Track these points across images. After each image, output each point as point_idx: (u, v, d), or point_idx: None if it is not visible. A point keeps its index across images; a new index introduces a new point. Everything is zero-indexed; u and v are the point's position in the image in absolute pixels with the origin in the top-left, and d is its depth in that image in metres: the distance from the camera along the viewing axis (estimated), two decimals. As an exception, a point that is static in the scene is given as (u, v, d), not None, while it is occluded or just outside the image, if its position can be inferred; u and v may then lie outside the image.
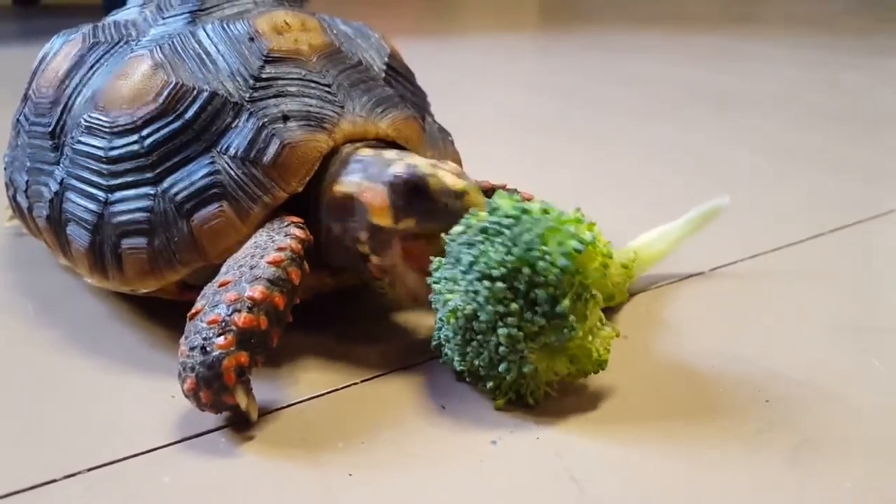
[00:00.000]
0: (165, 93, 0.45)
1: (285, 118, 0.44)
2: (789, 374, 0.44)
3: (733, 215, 0.62)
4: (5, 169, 0.55)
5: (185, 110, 0.44)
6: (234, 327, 0.37)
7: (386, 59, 0.51)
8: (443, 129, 0.55)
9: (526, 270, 0.37)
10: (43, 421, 0.40)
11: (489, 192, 0.49)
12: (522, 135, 0.95)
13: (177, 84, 0.45)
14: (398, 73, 0.51)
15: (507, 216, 0.38)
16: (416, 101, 0.52)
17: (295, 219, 0.43)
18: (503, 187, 0.51)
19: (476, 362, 0.39)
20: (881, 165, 0.82)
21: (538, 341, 0.38)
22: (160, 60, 0.46)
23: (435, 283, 0.40)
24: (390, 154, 0.43)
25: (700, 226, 0.53)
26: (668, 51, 1.45)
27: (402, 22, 1.68)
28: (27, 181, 0.50)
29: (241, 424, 0.39)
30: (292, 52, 0.46)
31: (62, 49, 0.51)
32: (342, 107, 0.46)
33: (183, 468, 0.37)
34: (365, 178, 0.42)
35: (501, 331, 0.37)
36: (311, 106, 0.45)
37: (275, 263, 0.40)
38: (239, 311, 0.37)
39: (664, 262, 0.52)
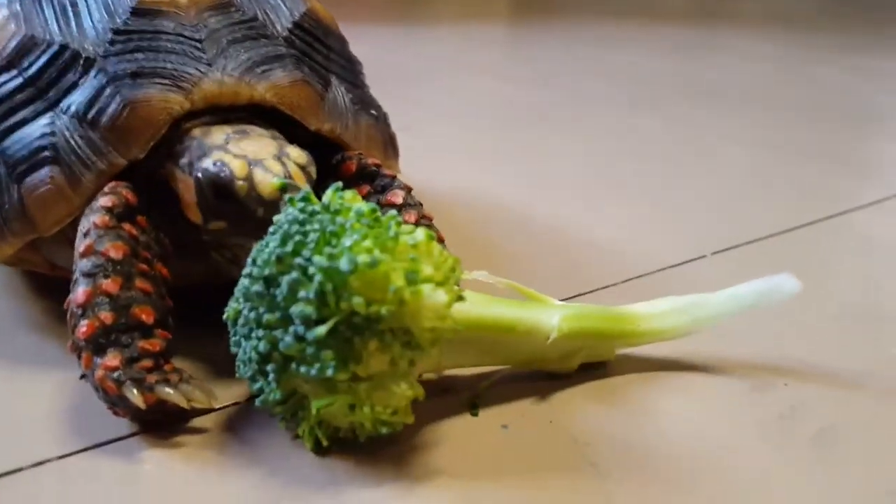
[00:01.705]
0: (12, 45, 0.40)
1: (135, 75, 0.38)
2: (806, 359, 0.42)
3: (726, 203, 0.64)
4: None
5: (31, 65, 0.40)
6: (81, 341, 0.33)
7: (297, 17, 0.44)
8: (368, 102, 0.47)
9: (285, 279, 0.29)
10: None
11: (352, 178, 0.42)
12: (499, 126, 0.88)
13: (25, 36, 0.40)
14: (310, 33, 0.45)
15: (303, 210, 0.31)
16: (330, 67, 0.45)
17: (109, 187, 0.37)
18: (374, 169, 0.42)
19: (240, 368, 0.32)
20: (863, 157, 0.82)
21: (293, 368, 0.30)
22: (16, 11, 0.41)
23: None
24: (218, 137, 0.37)
25: (748, 308, 0.38)
26: (643, 43, 1.37)
27: (369, 8, 1.65)
28: None
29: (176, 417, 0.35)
30: (166, 4, 0.41)
31: None
32: (209, 65, 0.39)
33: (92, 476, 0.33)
34: (185, 165, 0.37)
35: (251, 342, 0.30)
36: (168, 63, 0.39)
37: (84, 254, 0.34)
38: (76, 323, 0.33)
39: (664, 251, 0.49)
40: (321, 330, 0.29)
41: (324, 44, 0.45)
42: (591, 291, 0.48)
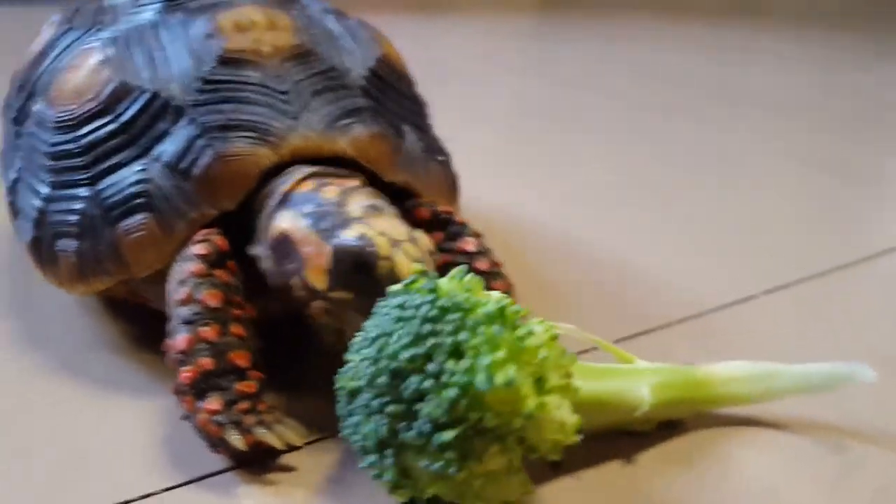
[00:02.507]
0: (107, 91, 0.42)
1: (225, 128, 0.40)
2: (861, 414, 0.42)
3: (774, 230, 0.62)
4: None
5: (124, 111, 0.42)
6: (184, 386, 0.36)
7: (372, 63, 0.46)
8: (435, 147, 0.49)
9: (414, 378, 0.31)
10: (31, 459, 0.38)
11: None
12: (529, 131, 0.87)
13: (120, 83, 0.42)
14: (384, 80, 0.46)
15: (433, 306, 0.32)
16: (402, 113, 0.47)
17: (198, 234, 0.39)
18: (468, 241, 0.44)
19: (351, 436, 0.34)
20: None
21: (411, 455, 0.32)
22: (108, 56, 0.43)
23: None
24: (354, 206, 0.38)
25: (820, 389, 0.40)
26: (677, 41, 1.32)
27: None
28: (2, 163, 0.50)
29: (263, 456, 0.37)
30: (250, 53, 0.42)
31: (43, 31, 0.49)
32: (296, 118, 0.41)
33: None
34: (313, 228, 0.37)
35: (371, 424, 0.32)
36: (257, 115, 0.41)
37: (184, 302, 0.37)
38: (179, 369, 0.36)
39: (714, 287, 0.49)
40: (449, 435, 0.31)
41: (396, 90, 0.47)
42: (643, 333, 0.50)
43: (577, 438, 0.33)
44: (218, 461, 0.38)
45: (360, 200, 0.38)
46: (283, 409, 0.39)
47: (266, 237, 0.40)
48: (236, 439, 0.36)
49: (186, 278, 0.38)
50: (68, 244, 0.42)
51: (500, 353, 0.31)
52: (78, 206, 0.42)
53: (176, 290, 0.38)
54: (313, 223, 0.38)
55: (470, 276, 0.34)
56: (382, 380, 0.32)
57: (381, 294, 0.35)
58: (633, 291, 0.55)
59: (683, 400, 0.40)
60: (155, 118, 0.41)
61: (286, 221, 0.39)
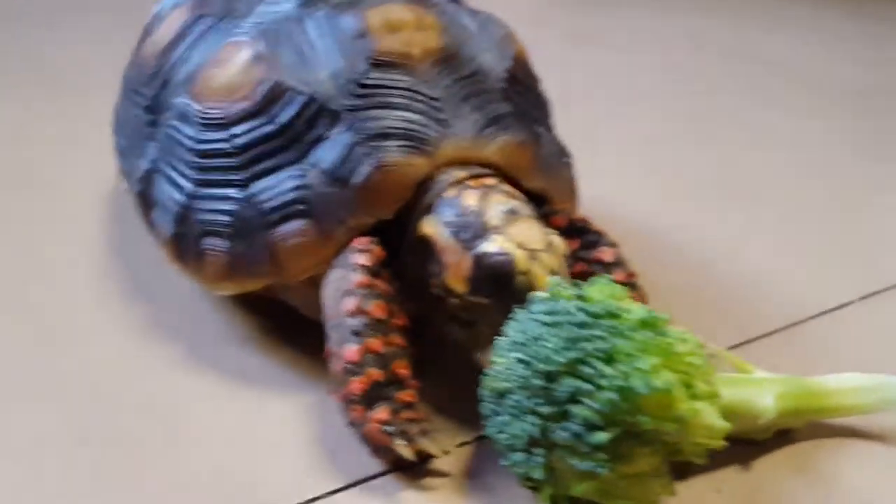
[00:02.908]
0: (261, 91, 0.41)
1: (383, 136, 0.40)
2: None
3: (868, 227, 0.62)
4: (113, 116, 0.54)
5: (280, 113, 0.41)
6: (354, 396, 0.37)
7: (508, 64, 0.46)
8: (561, 148, 0.49)
9: (569, 381, 0.33)
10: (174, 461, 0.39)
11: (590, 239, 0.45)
12: (611, 106, 0.84)
13: (275, 83, 0.41)
14: (519, 81, 0.46)
15: (586, 312, 0.34)
16: (536, 115, 0.47)
17: (359, 243, 0.40)
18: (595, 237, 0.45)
19: (497, 436, 0.36)
20: None
21: (560, 455, 0.34)
22: (260, 52, 0.42)
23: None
24: (493, 214, 0.39)
25: None
26: (799, 28, 1.13)
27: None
28: (125, 146, 0.49)
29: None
30: (401, 56, 0.42)
31: (170, 15, 0.48)
32: (448, 126, 0.42)
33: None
34: (454, 237, 0.39)
35: (521, 424, 0.34)
36: (412, 123, 0.41)
37: (353, 313, 0.38)
38: (347, 381, 0.37)
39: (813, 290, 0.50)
40: (603, 437, 0.32)
41: (530, 90, 0.47)
42: (747, 342, 0.51)
43: (724, 443, 0.35)
44: (373, 463, 0.39)
45: (499, 205, 0.39)
46: (433, 408, 0.41)
47: (411, 241, 0.41)
48: (404, 450, 0.37)
49: (353, 289, 0.38)
50: (218, 243, 0.42)
51: (655, 359, 0.33)
52: (230, 206, 0.42)
53: (341, 300, 0.38)
54: (455, 232, 0.39)
55: (618, 288, 0.36)
56: (536, 382, 0.34)
57: (518, 301, 0.37)
58: (730, 297, 0.55)
59: (802, 410, 0.42)
60: (311, 122, 0.41)
61: (429, 227, 0.40)
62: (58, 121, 0.71)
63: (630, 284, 0.43)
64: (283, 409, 0.42)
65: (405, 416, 0.37)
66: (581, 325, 0.34)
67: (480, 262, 0.38)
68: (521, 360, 0.35)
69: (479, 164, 0.42)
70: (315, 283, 0.41)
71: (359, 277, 0.38)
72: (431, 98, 0.42)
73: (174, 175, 0.44)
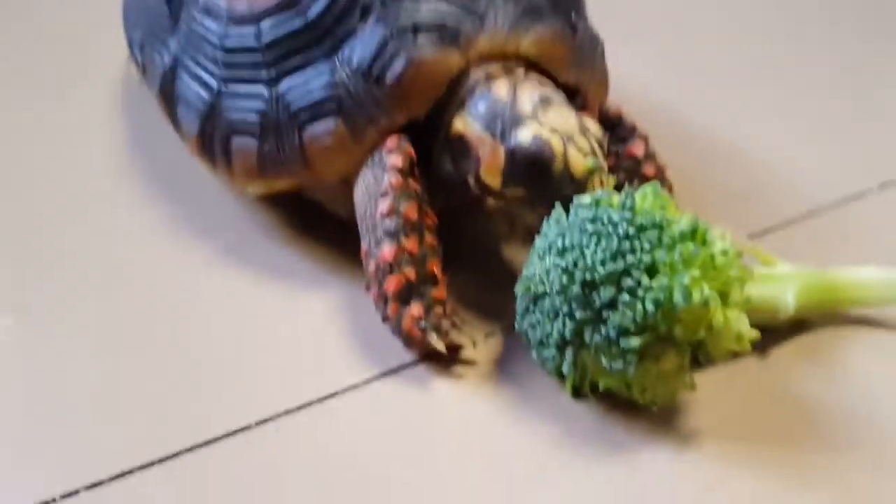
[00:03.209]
0: None
1: (415, 29, 0.40)
2: None
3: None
4: (123, 9, 0.52)
5: (309, 6, 0.40)
6: (389, 294, 0.38)
7: None
8: (594, 36, 0.48)
9: (609, 291, 0.34)
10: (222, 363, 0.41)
11: (624, 130, 0.44)
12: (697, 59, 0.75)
13: None
14: None
15: (631, 223, 0.34)
16: (570, 2, 0.45)
17: (391, 143, 0.40)
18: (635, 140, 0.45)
19: (529, 333, 0.38)
20: None
21: (592, 352, 0.35)
22: None
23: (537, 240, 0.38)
24: (525, 102, 0.39)
25: None
26: None
27: None
28: (142, 39, 0.48)
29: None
30: None
31: None
32: (482, 18, 0.40)
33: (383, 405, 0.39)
34: (487, 130, 0.39)
35: (557, 326, 0.35)
36: (446, 15, 0.40)
37: (387, 214, 0.38)
38: (382, 280, 0.38)
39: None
40: (636, 342, 0.34)
41: None
42: (769, 230, 0.51)
43: (751, 349, 0.37)
44: (405, 353, 0.40)
45: (530, 93, 0.39)
46: (457, 300, 0.41)
47: (444, 138, 0.40)
48: (438, 343, 0.38)
49: (387, 191, 0.38)
50: (247, 142, 0.42)
51: (696, 272, 0.34)
52: (258, 104, 0.41)
53: (375, 202, 0.39)
54: (487, 125, 0.39)
55: (662, 192, 0.36)
56: (574, 289, 0.35)
57: (555, 189, 0.37)
58: (749, 184, 0.55)
59: (821, 303, 0.43)
60: (341, 15, 0.40)
61: (461, 124, 0.40)
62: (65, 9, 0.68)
63: (660, 180, 0.43)
64: (315, 304, 0.43)
65: (438, 312, 0.39)
66: (625, 237, 0.34)
67: (515, 151, 0.38)
68: (560, 267, 0.35)
69: (515, 57, 0.41)
70: (346, 181, 0.41)
71: (392, 179, 0.38)
72: None
73: (199, 71, 0.43)
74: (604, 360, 0.35)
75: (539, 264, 0.36)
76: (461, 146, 0.40)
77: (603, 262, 0.34)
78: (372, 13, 0.40)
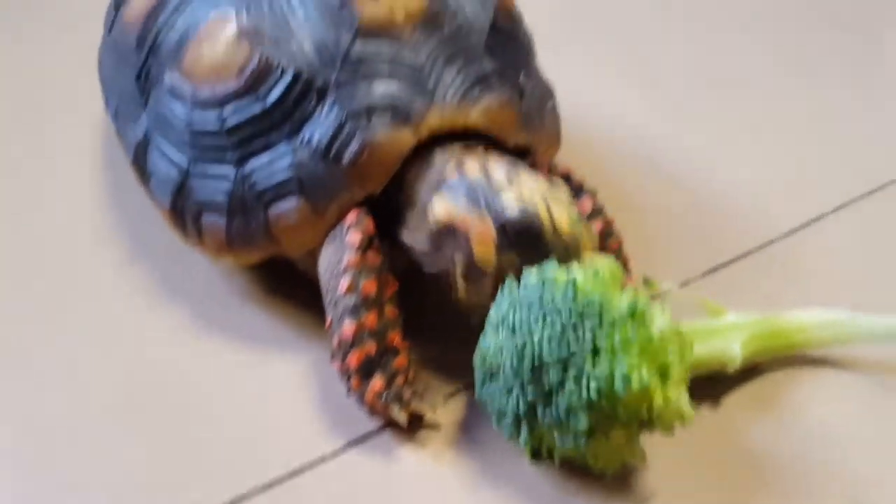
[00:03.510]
0: (248, 70, 0.42)
1: (369, 112, 0.41)
2: None
3: (838, 135, 0.60)
4: (98, 67, 0.54)
5: (268, 93, 0.42)
6: (351, 369, 0.40)
7: (490, 15, 0.46)
8: (544, 89, 0.49)
9: (556, 374, 0.36)
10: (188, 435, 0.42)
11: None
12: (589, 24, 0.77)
13: (260, 60, 0.42)
14: (502, 31, 0.46)
15: (573, 308, 0.36)
16: (519, 63, 0.47)
17: (350, 218, 0.42)
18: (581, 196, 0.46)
19: (488, 403, 0.39)
20: None
21: (544, 428, 0.37)
22: (244, 28, 0.43)
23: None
24: (499, 174, 0.40)
25: (886, 341, 0.45)
26: None
27: None
28: (117, 107, 0.50)
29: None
30: (385, 24, 0.42)
31: None
32: (432, 94, 0.42)
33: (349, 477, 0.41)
34: (472, 208, 0.40)
35: (511, 402, 0.37)
36: (397, 94, 0.42)
37: (347, 292, 0.40)
38: (345, 354, 0.40)
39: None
40: (584, 422, 0.36)
41: (513, 38, 0.47)
42: (723, 265, 0.52)
43: (692, 423, 0.38)
44: (370, 420, 0.42)
45: (498, 165, 0.41)
46: (419, 361, 0.43)
47: (422, 226, 0.41)
48: (399, 415, 0.40)
49: (346, 268, 0.40)
50: (216, 219, 0.44)
51: (634, 357, 0.36)
52: (225, 185, 0.43)
53: (336, 279, 0.41)
54: (470, 203, 0.40)
55: (607, 268, 0.38)
56: (525, 370, 0.36)
57: (547, 250, 0.38)
58: (703, 217, 0.56)
59: (768, 349, 0.44)
60: (299, 100, 0.42)
61: (442, 210, 0.40)
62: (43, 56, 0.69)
63: (607, 233, 0.45)
64: (287, 370, 0.45)
65: (399, 381, 0.40)
66: (569, 321, 0.36)
67: (506, 222, 0.39)
68: (511, 346, 0.37)
69: (464, 128, 0.43)
70: (311, 252, 0.43)
71: (351, 257, 0.40)
72: (415, 66, 0.42)
73: (168, 150, 0.45)
74: (556, 436, 0.37)
75: (493, 337, 0.38)
76: (447, 232, 0.40)
77: (549, 347, 0.36)
78: (328, 97, 0.42)
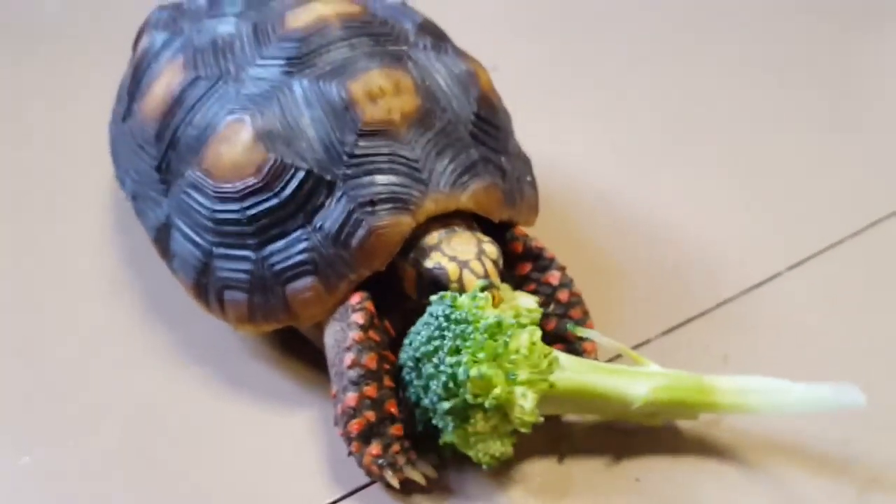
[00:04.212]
0: (266, 170, 0.48)
1: (373, 202, 0.48)
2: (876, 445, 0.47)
3: (785, 193, 0.63)
4: (111, 144, 0.60)
5: (283, 188, 0.48)
6: (353, 434, 0.46)
7: (474, 108, 0.52)
8: (522, 166, 0.56)
9: (428, 365, 0.45)
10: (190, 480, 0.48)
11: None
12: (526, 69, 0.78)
13: (275, 161, 0.48)
14: (485, 120, 0.52)
15: (446, 317, 0.44)
16: (500, 146, 0.53)
17: (354, 301, 0.48)
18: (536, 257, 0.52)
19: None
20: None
21: (431, 418, 0.45)
22: (259, 130, 0.48)
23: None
24: (434, 237, 0.48)
25: (823, 408, 0.45)
26: None
27: None
28: (134, 189, 0.55)
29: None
30: (384, 124, 0.49)
31: (164, 73, 0.53)
32: (426, 185, 0.49)
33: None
34: (411, 259, 0.49)
35: (409, 391, 0.46)
36: (397, 186, 0.48)
37: (351, 366, 0.46)
38: (347, 421, 0.46)
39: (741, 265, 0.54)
40: (444, 406, 0.44)
41: (494, 125, 0.53)
42: (677, 326, 0.56)
43: (539, 420, 0.44)
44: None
45: (439, 231, 0.49)
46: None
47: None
48: (392, 479, 0.46)
49: (351, 345, 0.46)
50: (238, 296, 0.50)
51: (481, 354, 0.44)
52: (246, 266, 0.49)
53: (342, 353, 0.46)
54: (411, 258, 0.49)
55: (483, 294, 0.45)
56: (409, 363, 0.45)
57: None
58: (666, 275, 0.58)
59: (684, 403, 0.46)
60: (311, 193, 0.48)
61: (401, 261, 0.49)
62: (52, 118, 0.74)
63: (573, 304, 0.51)
64: (287, 424, 0.50)
65: (395, 448, 0.46)
66: (439, 327, 0.44)
67: (421, 276, 0.48)
68: (408, 343, 0.46)
69: (456, 210, 0.50)
70: (319, 324, 0.49)
71: (355, 335, 0.46)
72: (411, 160, 0.49)
73: (192, 234, 0.51)
74: (435, 422, 0.45)
75: (405, 342, 0.47)
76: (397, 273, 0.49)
77: (424, 344, 0.44)
78: (336, 189, 0.48)
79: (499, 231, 0.52)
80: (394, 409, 0.47)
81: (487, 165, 0.51)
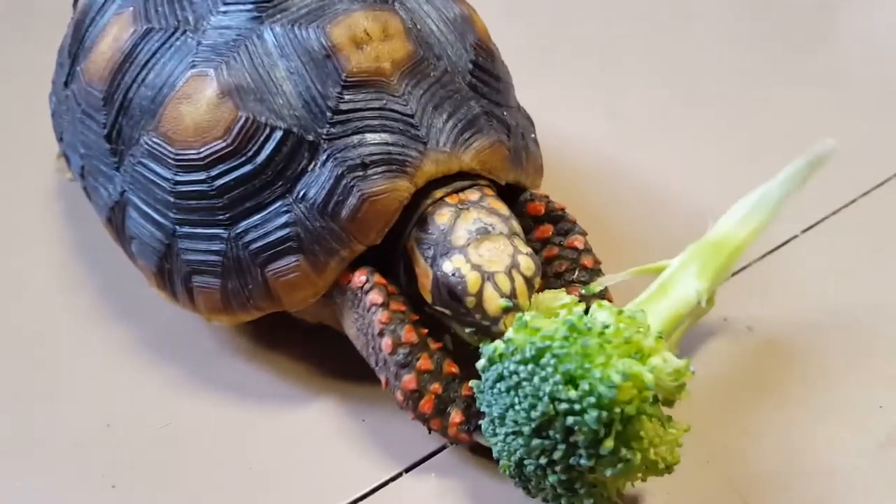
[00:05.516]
0: (235, 129, 0.40)
1: (364, 165, 0.41)
2: None
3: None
4: (52, 116, 0.52)
5: (258, 152, 0.41)
6: (427, 414, 0.40)
7: (472, 54, 0.45)
8: (525, 124, 0.50)
9: (557, 423, 0.35)
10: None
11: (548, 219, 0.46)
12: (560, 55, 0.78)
13: (247, 119, 0.40)
14: (484, 69, 0.46)
15: (524, 361, 0.36)
16: (502, 99, 0.47)
17: (360, 282, 0.41)
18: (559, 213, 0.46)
19: (540, 497, 0.39)
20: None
21: (595, 475, 0.37)
22: (226, 85, 0.41)
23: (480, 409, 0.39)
24: (460, 234, 0.40)
25: (804, 180, 0.46)
26: None
27: None
28: (82, 165, 0.48)
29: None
30: (373, 73, 0.41)
31: (110, 27, 0.45)
32: (425, 143, 0.42)
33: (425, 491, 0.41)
34: (423, 254, 0.41)
35: (552, 478, 0.37)
36: (391, 145, 0.41)
37: (392, 351, 0.40)
38: (415, 404, 0.40)
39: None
40: (609, 444, 0.35)
41: (493, 75, 0.47)
42: None
43: (692, 373, 0.37)
44: (374, 470, 0.42)
45: (469, 224, 0.41)
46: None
47: (403, 253, 0.42)
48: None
49: (382, 329, 0.40)
50: (209, 281, 0.42)
51: (599, 360, 0.35)
52: (218, 246, 0.42)
53: (373, 341, 0.40)
54: (424, 249, 0.41)
55: (529, 315, 0.37)
56: (535, 445, 0.36)
57: (476, 325, 0.39)
58: (679, 241, 0.54)
59: (720, 267, 0.44)
60: (291, 157, 0.41)
61: (411, 242, 0.42)
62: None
63: (596, 271, 0.45)
64: (300, 423, 0.44)
65: (474, 408, 0.40)
66: (527, 378, 0.35)
67: (437, 280, 0.40)
68: (512, 433, 0.37)
69: (459, 171, 0.43)
70: (317, 303, 0.42)
71: (380, 316, 0.40)
72: (406, 115, 0.42)
73: (150, 212, 0.43)
74: (605, 472, 0.36)
75: (495, 441, 0.38)
76: (409, 259, 0.42)
77: (532, 411, 0.35)
78: (320, 153, 0.41)
79: (508, 193, 0.45)
80: (454, 369, 0.41)
81: (491, 120, 0.45)
